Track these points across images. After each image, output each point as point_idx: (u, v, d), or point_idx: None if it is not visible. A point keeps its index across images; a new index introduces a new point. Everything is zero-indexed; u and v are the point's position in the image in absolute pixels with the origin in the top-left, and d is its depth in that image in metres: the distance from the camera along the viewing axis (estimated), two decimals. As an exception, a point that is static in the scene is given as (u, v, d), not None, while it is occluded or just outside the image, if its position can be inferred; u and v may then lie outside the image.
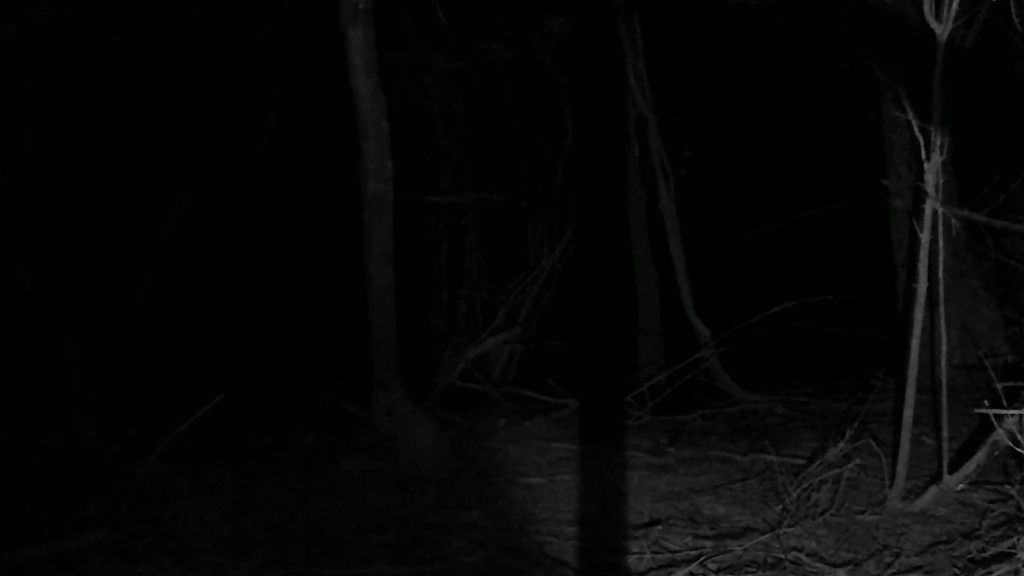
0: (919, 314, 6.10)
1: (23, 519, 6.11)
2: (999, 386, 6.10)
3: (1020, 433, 5.78)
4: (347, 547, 5.78)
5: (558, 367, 10.70)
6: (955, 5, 5.99)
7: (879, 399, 8.04)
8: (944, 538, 5.63)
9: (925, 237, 6.06)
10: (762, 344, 10.15)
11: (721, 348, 9.69)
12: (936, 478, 6.15)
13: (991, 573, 5.12)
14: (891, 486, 6.14)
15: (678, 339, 10.35)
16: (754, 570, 5.36)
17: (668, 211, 10.14)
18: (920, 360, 6.14)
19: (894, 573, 5.27)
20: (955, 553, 5.42)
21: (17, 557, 5.51)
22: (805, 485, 6.26)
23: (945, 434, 6.13)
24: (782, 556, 5.47)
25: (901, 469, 6.14)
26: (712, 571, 5.37)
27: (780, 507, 6.16)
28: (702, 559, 5.47)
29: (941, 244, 6.23)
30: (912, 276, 6.36)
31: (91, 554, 5.61)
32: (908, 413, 6.09)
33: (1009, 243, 9.46)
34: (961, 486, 6.07)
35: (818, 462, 6.46)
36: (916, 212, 6.48)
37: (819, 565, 5.38)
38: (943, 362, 6.20)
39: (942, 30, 5.99)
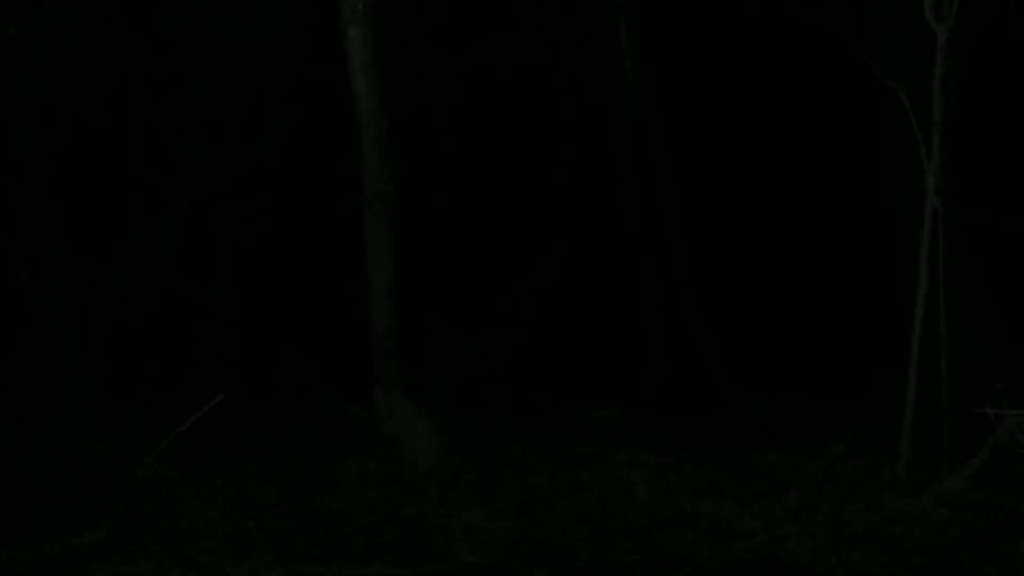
0: (919, 314, 6.10)
1: (23, 519, 6.10)
2: (999, 386, 6.10)
3: (1020, 433, 5.78)
4: (347, 547, 5.78)
5: (558, 367, 10.70)
6: (955, 5, 5.99)
7: (879, 399, 8.04)
8: (944, 538, 5.63)
9: (925, 237, 6.06)
10: (763, 343, 10.16)
11: (722, 347, 9.70)
12: (936, 478, 6.15)
13: (991, 573, 5.12)
14: (891, 486, 6.14)
15: (678, 338, 10.35)
16: (754, 570, 5.36)
17: (668, 211, 10.14)
18: (920, 360, 6.14)
19: (894, 573, 5.27)
20: (955, 553, 5.41)
21: (17, 557, 5.50)
22: (805, 485, 6.25)
23: (945, 434, 6.13)
24: (782, 556, 5.47)
25: (901, 469, 6.14)
26: (712, 571, 5.37)
27: (780, 507, 6.15)
28: (702, 559, 5.47)
29: (941, 244, 6.23)
30: (912, 276, 6.36)
31: (91, 554, 5.61)
32: (908, 413, 6.09)
33: (1009, 243, 9.46)
34: (961, 486, 6.07)
35: (818, 462, 6.46)
36: (916, 212, 6.48)
37: (819, 565, 5.38)
38: (943, 362, 6.20)
39: (942, 30, 5.99)
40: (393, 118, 7.38)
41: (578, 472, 7.04)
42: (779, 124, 11.93)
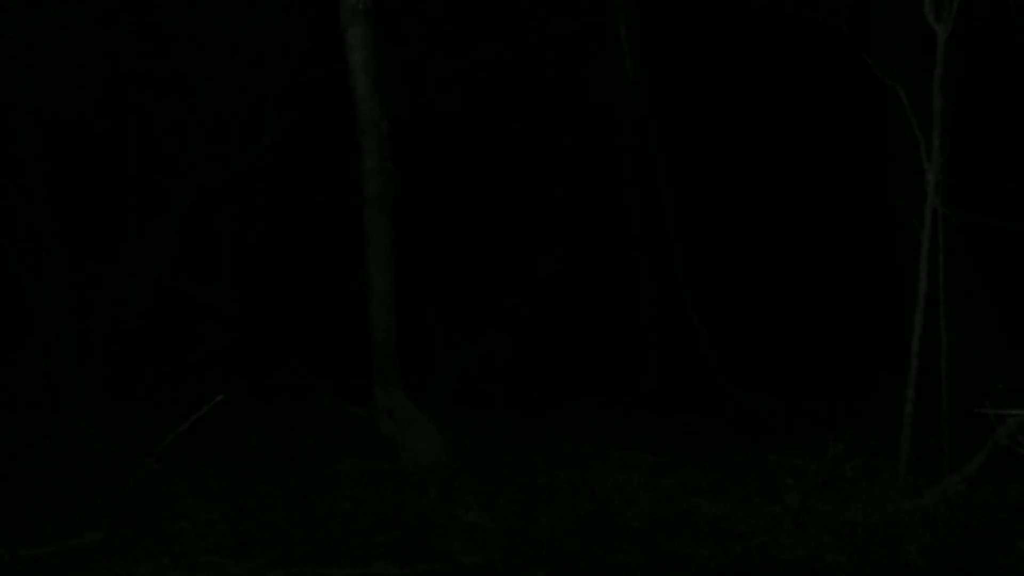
0: (919, 314, 6.10)
1: (23, 519, 6.10)
2: (999, 386, 6.10)
3: (1020, 433, 5.78)
4: (347, 547, 5.78)
5: (558, 367, 10.71)
6: (955, 5, 5.99)
7: (879, 399, 8.03)
8: (945, 538, 5.63)
9: (925, 237, 6.06)
10: (763, 343, 10.16)
11: (722, 347, 9.70)
12: (936, 478, 6.15)
13: (991, 573, 5.12)
14: (892, 486, 6.14)
15: (678, 338, 10.36)
16: (754, 570, 5.36)
17: (668, 211, 10.14)
18: (920, 360, 6.14)
19: (894, 573, 5.27)
20: (955, 553, 5.42)
21: (17, 557, 5.50)
22: (805, 485, 6.25)
23: (945, 434, 6.13)
24: (782, 556, 5.47)
25: (901, 469, 6.14)
26: (712, 571, 5.37)
27: (780, 507, 6.15)
28: (702, 559, 5.47)
29: (941, 244, 6.23)
30: (912, 276, 6.36)
31: (91, 554, 5.61)
32: (908, 413, 6.09)
33: (1009, 243, 9.47)
34: (961, 486, 6.07)
35: (818, 462, 6.46)
36: (916, 212, 6.49)
37: (819, 565, 5.38)
38: (943, 362, 6.20)
39: (942, 30, 5.99)
40: (393, 118, 7.38)
41: (578, 472, 7.04)
42: (779, 124, 11.94)
